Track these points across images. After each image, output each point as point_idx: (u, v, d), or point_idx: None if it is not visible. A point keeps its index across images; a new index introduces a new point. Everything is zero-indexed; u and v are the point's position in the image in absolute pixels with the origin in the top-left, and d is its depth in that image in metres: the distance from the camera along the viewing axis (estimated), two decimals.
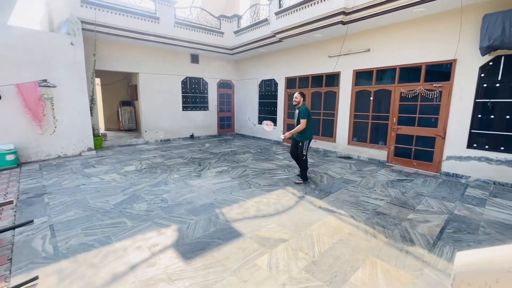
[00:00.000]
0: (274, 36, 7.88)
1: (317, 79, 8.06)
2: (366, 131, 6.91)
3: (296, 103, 4.74)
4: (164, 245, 2.75)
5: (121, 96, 11.69)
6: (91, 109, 7.30)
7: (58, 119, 6.40)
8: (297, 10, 6.84)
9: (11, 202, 1.98)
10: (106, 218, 3.36)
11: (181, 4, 8.62)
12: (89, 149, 7.11)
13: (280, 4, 7.45)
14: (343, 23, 6.10)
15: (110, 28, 7.16)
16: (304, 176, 4.87)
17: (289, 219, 3.41)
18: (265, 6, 8.33)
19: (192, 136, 10.34)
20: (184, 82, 9.90)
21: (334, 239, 2.92)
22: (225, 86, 11.23)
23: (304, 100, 4.76)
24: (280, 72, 9.17)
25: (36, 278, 2.19)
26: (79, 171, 5.43)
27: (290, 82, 8.94)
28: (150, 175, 5.27)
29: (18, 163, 5.68)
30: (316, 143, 8.17)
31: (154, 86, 9.07)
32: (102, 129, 11.05)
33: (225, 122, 11.57)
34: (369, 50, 6.57)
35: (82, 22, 6.69)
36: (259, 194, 4.25)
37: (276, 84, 9.44)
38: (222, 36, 9.63)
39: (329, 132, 7.85)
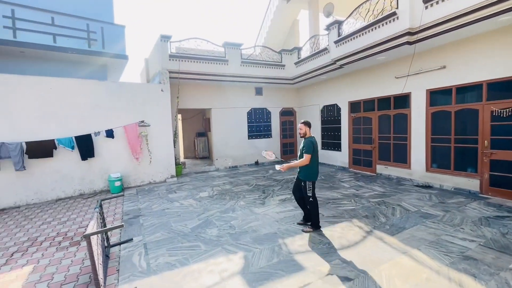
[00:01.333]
0: (334, 63, 7.97)
1: (384, 102, 7.61)
2: (449, 156, 6.04)
3: (301, 134, 4.10)
4: (232, 272, 3.01)
5: (197, 128, 13.40)
6: (174, 142, 8.63)
7: (151, 151, 7.79)
8: (357, 36, 6.84)
9: (121, 226, 2.59)
10: (185, 241, 3.87)
11: (246, 45, 9.60)
12: (172, 176, 8.30)
13: (339, 33, 7.58)
14: (410, 43, 5.78)
15: (189, 74, 8.57)
16: (315, 222, 4.05)
17: (355, 255, 3.25)
18: (324, 36, 8.58)
19: (257, 163, 10.89)
20: (249, 113, 10.74)
21: (408, 284, 2.64)
22: (287, 113, 11.63)
23: (310, 130, 4.06)
24: (342, 96, 9.04)
25: None
26: (164, 196, 6.41)
27: (354, 106, 8.67)
28: (220, 201, 5.81)
29: (122, 188, 7.13)
30: (387, 170, 7.52)
31: (223, 119, 10.14)
32: (182, 158, 12.74)
33: (288, 148, 11.80)
34: (444, 67, 5.95)
35: (170, 72, 8.22)
36: (322, 226, 4.19)
37: (339, 109, 9.29)
38: (283, 68, 10.23)
39: (401, 157, 7.16)
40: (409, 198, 5.49)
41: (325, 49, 8.30)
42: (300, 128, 4.08)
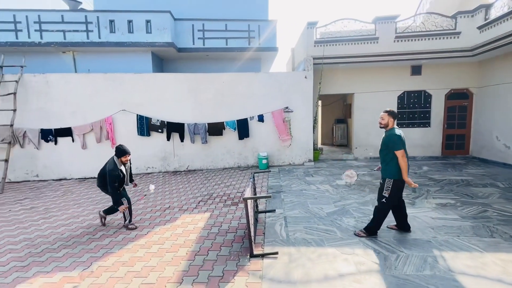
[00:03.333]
0: None
1: None
2: None
3: (382, 125, 3.36)
4: (370, 267, 2.81)
5: (336, 114, 13.03)
6: (314, 127, 8.85)
7: (292, 136, 8.41)
8: None
9: (269, 196, 3.02)
10: (321, 223, 3.99)
11: (402, 16, 8.11)
12: (309, 161, 8.64)
13: None
14: None
15: (334, 58, 8.34)
16: (372, 228, 3.43)
17: None
18: None
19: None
20: (401, 97, 9.17)
21: None
22: (457, 97, 8.98)
23: (394, 119, 3.31)
24: None
25: (276, 253, 3.13)
26: (302, 178, 6.81)
27: None
28: (359, 192, 5.47)
29: (267, 166, 8.23)
30: None
31: (367, 104, 9.25)
32: (319, 144, 12.93)
33: (454, 142, 9.19)
34: None
35: (314, 58, 8.35)
36: (507, 250, 3.04)
37: None
38: (458, 37, 7.83)
39: None
40: None
41: None
42: (382, 117, 3.39)
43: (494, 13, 7.09)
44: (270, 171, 5.17)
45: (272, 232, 3.74)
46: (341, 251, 3.17)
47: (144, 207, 5.04)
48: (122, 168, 3.96)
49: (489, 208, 4.39)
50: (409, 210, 4.37)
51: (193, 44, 8.96)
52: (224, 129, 8.09)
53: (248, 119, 8.11)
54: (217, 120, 8.06)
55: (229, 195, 5.60)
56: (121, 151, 3.89)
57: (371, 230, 3.49)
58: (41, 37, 8.00)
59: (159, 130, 7.83)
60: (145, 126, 7.74)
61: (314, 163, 8.68)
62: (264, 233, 3.72)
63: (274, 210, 4.53)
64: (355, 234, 3.54)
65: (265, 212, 4.48)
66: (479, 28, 7.44)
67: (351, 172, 4.41)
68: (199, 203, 5.19)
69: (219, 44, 9.03)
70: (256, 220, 4.06)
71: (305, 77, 8.26)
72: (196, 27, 8.91)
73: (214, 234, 3.78)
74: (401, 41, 8.04)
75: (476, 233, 3.50)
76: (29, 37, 7.98)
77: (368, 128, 9.35)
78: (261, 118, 8.09)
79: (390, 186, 3.30)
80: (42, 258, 3.26)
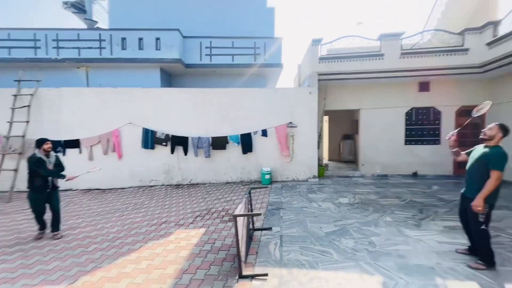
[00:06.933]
0: None
1: None
2: None
3: (488, 137, 2.93)
4: None
5: (344, 130, 12.86)
6: (318, 143, 8.72)
7: (296, 151, 8.31)
8: None
9: (259, 214, 2.93)
10: (318, 244, 3.81)
11: (408, 33, 8.12)
12: (314, 177, 8.45)
13: None
14: None
15: (338, 74, 8.33)
16: (486, 257, 2.97)
17: None
18: None
19: (415, 174, 8.92)
20: (408, 114, 8.97)
21: None
22: (468, 114, 8.64)
23: (503, 137, 2.88)
24: None
25: (266, 274, 2.99)
26: (304, 195, 6.64)
27: None
28: (361, 211, 5.25)
29: (271, 182, 8.10)
30: None
31: (374, 120, 9.08)
32: (326, 159, 12.71)
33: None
34: None
35: (319, 74, 8.38)
36: None
37: None
38: (466, 53, 7.69)
39: None
40: None
41: None
42: (491, 128, 2.96)
43: (502, 30, 6.95)
44: (268, 186, 5.07)
45: (266, 252, 3.60)
46: (335, 275, 2.99)
47: (141, 221, 5.01)
48: (46, 159, 4.08)
49: (502, 233, 4.09)
50: (414, 232, 4.15)
51: (201, 60, 9.22)
52: (228, 143, 8.10)
53: (252, 134, 8.10)
54: (221, 134, 8.09)
55: (227, 211, 5.51)
56: (40, 140, 4.09)
57: (489, 260, 3.03)
58: (58, 54, 8.47)
59: (164, 143, 7.93)
60: (150, 139, 7.87)
61: (318, 179, 8.48)
62: (257, 252, 3.59)
63: (271, 228, 4.39)
64: (470, 267, 3.05)
65: (262, 229, 4.35)
66: (488, 44, 7.29)
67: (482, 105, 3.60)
68: (196, 218, 5.11)
69: (226, 60, 9.25)
70: (250, 238, 3.94)
71: (310, 93, 8.26)
72: (204, 44, 9.20)
73: (206, 251, 3.68)
74: (407, 57, 7.96)
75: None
76: (46, 53, 8.47)
77: (375, 145, 9.13)
78: (264, 133, 8.07)
79: (487, 213, 2.94)
80: (32, 270, 3.24)
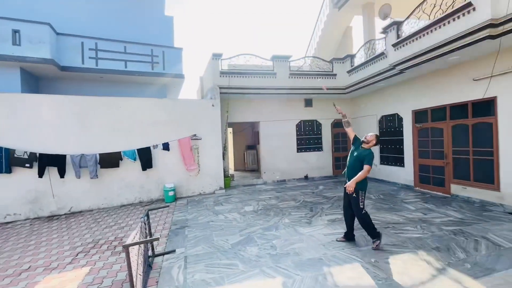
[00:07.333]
0: (393, 68, 7.15)
1: (458, 109, 6.42)
2: None
3: (367, 142, 3.91)
4: None
5: (247, 141, 13.63)
6: (223, 155, 8.86)
7: (201, 164, 8.13)
8: (420, 36, 6.01)
9: (157, 239, 2.62)
10: (224, 257, 3.75)
11: (295, 57, 9.50)
12: (221, 188, 8.47)
13: (398, 34, 6.81)
14: (492, 37, 4.76)
15: (239, 88, 8.80)
16: (374, 233, 3.83)
17: None
18: (380, 41, 7.85)
19: (306, 177, 10.37)
20: (298, 125, 10.41)
21: None
22: (339, 125, 10.89)
23: (376, 144, 3.92)
24: (405, 105, 8.00)
25: None
26: (211, 208, 6.51)
27: (419, 116, 7.56)
28: (264, 217, 5.58)
29: (175, 198, 7.56)
30: (466, 191, 6.20)
31: (271, 131, 10.04)
32: (232, 170, 13.04)
33: (341, 163, 10.95)
34: None
35: (220, 87, 8.59)
36: (378, 256, 3.57)
37: (400, 119, 8.24)
38: (335, 78, 9.70)
39: (486, 176, 5.83)
40: (499, 229, 4.33)
41: (382, 53, 7.55)
42: (371, 138, 3.90)
43: (356, 61, 9.17)
44: (169, 205, 4.67)
45: (168, 279, 3.24)
46: (241, 286, 3.00)
47: None
48: None
49: None
50: (307, 230, 4.70)
51: (83, 63, 7.79)
52: (122, 159, 7.07)
53: (152, 148, 7.39)
54: (112, 150, 6.99)
55: (121, 239, 4.71)
56: None
57: (375, 233, 3.82)
58: None
59: (27, 165, 6.12)
60: (3, 160, 5.91)
61: (225, 190, 8.56)
62: (157, 282, 3.19)
63: (174, 251, 4.03)
64: (373, 249, 3.77)
65: (163, 254, 3.92)
66: (348, 72, 9.45)
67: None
68: (77, 255, 4.11)
69: (117, 66, 8.18)
70: (149, 266, 3.48)
71: (212, 105, 8.33)
72: (87, 45, 7.85)
73: None
74: (295, 77, 9.30)
75: (357, 244, 3.99)
76: None
77: (274, 153, 10.07)
78: (166, 147, 7.52)
79: (363, 198, 3.79)
80: None
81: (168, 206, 4.29)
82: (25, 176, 6.19)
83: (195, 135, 7.99)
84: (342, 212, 4.22)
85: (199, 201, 7.31)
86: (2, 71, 6.85)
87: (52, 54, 7.00)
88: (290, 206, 6.39)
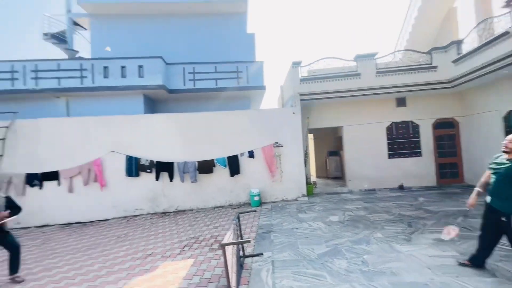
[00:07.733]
0: None
1: None
2: None
3: (509, 149, 2.92)
4: None
5: (329, 147, 13.10)
6: (305, 161, 8.79)
7: (284, 171, 8.31)
8: None
9: (248, 241, 2.84)
10: (310, 267, 3.70)
11: (382, 54, 8.64)
12: (303, 195, 8.41)
13: None
14: None
15: (319, 94, 8.63)
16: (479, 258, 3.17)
17: None
18: (501, 17, 6.23)
19: (401, 187, 9.09)
20: (389, 128, 9.31)
21: None
22: (443, 126, 9.14)
23: None
24: None
25: None
26: (294, 215, 6.55)
27: None
28: (352, 229, 5.21)
29: (260, 203, 7.97)
30: None
31: (357, 136, 9.33)
32: (313, 177, 12.76)
33: (448, 170, 9.11)
34: None
35: (300, 94, 8.64)
36: None
37: None
38: (435, 70, 8.25)
39: None
40: None
41: (506, 33, 5.97)
42: (510, 140, 2.98)
43: (465, 48, 7.56)
44: (255, 210, 4.96)
45: (258, 280, 3.44)
46: None
47: (125, 255, 4.71)
48: None
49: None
50: (406, 248, 4.14)
51: (184, 85, 9.31)
52: (215, 166, 7.99)
53: (239, 156, 8.07)
54: (207, 158, 8.00)
55: (216, 238, 5.30)
56: None
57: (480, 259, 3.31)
58: (36, 84, 8.30)
59: (148, 170, 7.71)
60: (133, 166, 7.64)
61: (308, 197, 8.44)
62: (248, 282, 3.43)
63: (262, 254, 4.24)
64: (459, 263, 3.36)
65: (252, 256, 4.19)
66: (454, 61, 7.87)
67: (449, 229, 3.81)
68: (184, 248, 4.88)
69: (209, 84, 9.39)
70: (241, 266, 3.78)
71: (293, 113, 8.44)
72: (187, 70, 9.34)
73: (195, 284, 3.48)
74: (382, 75, 8.42)
75: (478, 273, 3.24)
76: (24, 84, 8.27)
77: (360, 160, 9.30)
78: (251, 154, 8.06)
79: None
80: None
81: (255, 210, 4.59)
82: (147, 179, 7.80)
83: (277, 142, 8.26)
84: (480, 232, 3.37)
85: (282, 207, 7.47)
86: (131, 97, 8.93)
87: (163, 80, 8.67)
88: (383, 219, 5.74)
